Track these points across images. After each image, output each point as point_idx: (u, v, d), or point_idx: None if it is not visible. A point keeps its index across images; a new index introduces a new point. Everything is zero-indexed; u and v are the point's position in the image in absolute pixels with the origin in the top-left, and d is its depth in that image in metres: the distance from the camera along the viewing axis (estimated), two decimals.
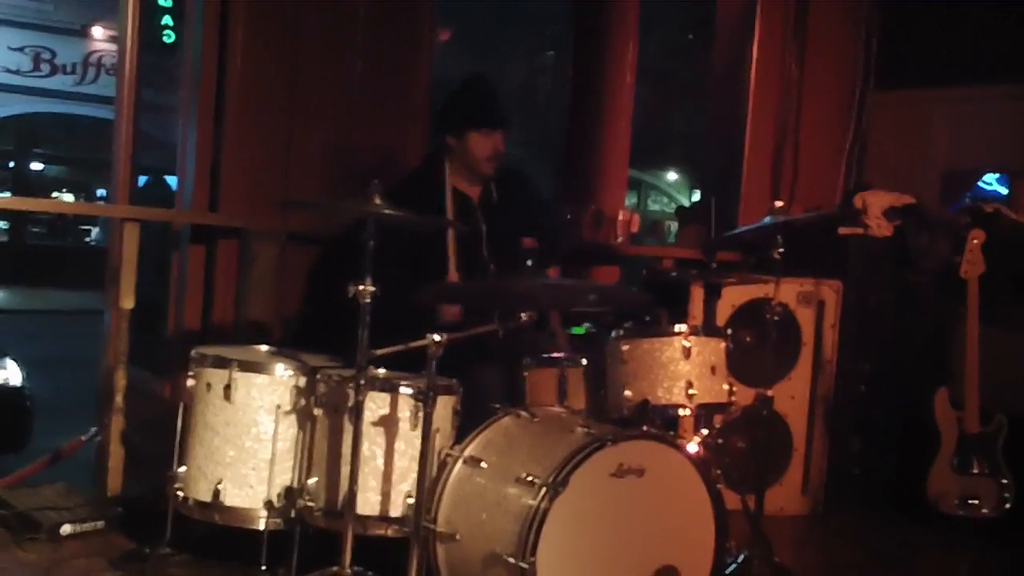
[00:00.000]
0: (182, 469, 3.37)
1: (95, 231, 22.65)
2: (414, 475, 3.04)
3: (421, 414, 3.01)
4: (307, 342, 3.81)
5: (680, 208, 18.37)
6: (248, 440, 3.29)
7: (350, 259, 3.08)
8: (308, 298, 4.50)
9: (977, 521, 4.74)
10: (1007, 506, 4.74)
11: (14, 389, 6.36)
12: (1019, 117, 5.69)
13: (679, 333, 3.46)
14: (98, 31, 20.32)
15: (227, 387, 3.29)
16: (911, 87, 5.93)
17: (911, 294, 5.15)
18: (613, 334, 3.49)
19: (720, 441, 3.85)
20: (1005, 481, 4.76)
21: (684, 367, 3.43)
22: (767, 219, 3.90)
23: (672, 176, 25.64)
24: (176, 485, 3.36)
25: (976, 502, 4.76)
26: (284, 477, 3.30)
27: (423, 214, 3.41)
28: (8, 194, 18.52)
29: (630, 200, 22.49)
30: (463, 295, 3.68)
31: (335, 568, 3.04)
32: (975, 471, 4.79)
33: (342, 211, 3.77)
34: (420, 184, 3.96)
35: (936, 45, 5.86)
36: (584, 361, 3.51)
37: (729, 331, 3.67)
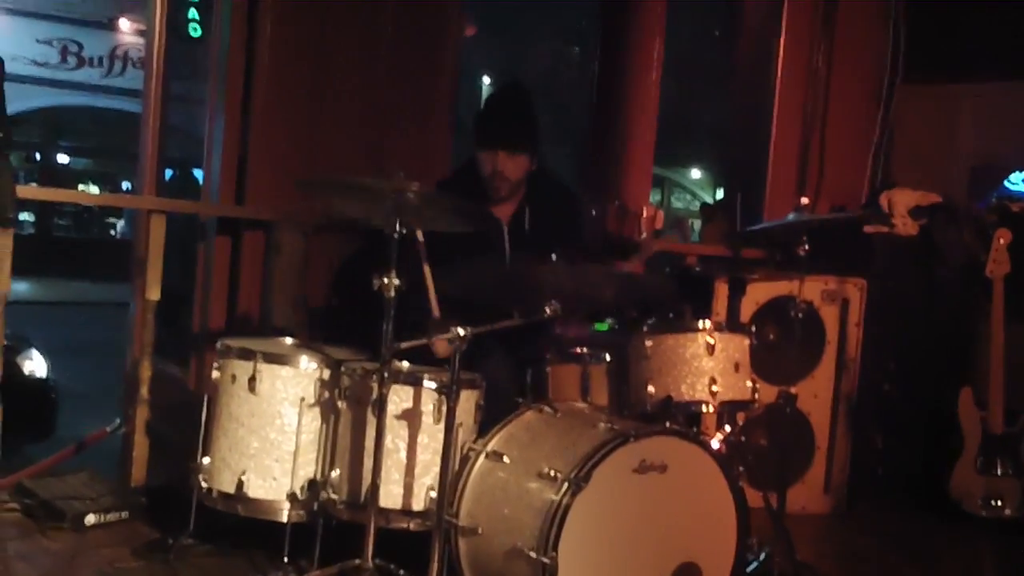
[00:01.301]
0: (206, 460, 3.38)
1: (120, 224, 22.81)
2: (436, 469, 3.04)
3: (444, 408, 3.02)
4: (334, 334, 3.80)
5: (704, 205, 18.25)
6: (272, 432, 3.30)
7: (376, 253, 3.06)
8: (335, 290, 4.51)
9: (1001, 521, 4.72)
10: None
11: (39, 380, 6.39)
12: None
13: (703, 329, 3.44)
14: (125, 24, 20.44)
15: (252, 379, 3.30)
16: (940, 81, 5.87)
17: (937, 292, 5.12)
18: None
19: (743, 438, 3.83)
20: None
21: (708, 363, 3.41)
22: (791, 215, 3.88)
23: (696, 174, 25.56)
24: (200, 476, 3.37)
25: (999, 503, 4.73)
26: (307, 469, 3.31)
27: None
28: (35, 185, 18.65)
29: (654, 197, 22.43)
30: (483, 286, 3.62)
31: (357, 561, 3.05)
32: (999, 472, 4.77)
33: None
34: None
35: (965, 39, 5.80)
36: (607, 357, 3.50)
37: (753, 328, 3.64)
